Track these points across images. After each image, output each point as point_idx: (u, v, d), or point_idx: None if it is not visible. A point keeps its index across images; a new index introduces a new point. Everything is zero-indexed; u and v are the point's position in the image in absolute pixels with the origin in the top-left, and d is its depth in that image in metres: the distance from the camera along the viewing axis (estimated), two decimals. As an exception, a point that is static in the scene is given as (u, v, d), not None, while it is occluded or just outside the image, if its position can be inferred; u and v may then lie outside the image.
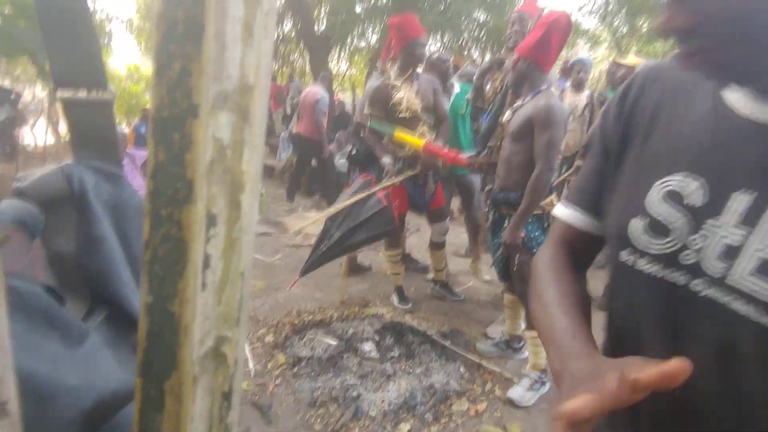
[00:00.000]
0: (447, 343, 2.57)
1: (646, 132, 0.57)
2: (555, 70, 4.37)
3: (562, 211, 0.70)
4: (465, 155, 2.80)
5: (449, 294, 3.28)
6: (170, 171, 0.24)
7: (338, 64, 13.43)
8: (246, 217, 0.27)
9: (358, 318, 2.85)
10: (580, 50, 12.39)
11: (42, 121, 12.21)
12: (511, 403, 2.19)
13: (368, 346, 2.47)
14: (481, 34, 10.26)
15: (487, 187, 2.42)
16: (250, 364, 2.36)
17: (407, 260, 3.52)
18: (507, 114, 2.33)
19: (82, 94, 0.58)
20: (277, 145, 8.24)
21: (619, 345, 0.64)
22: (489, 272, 3.60)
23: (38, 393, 0.39)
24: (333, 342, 2.52)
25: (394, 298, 3.16)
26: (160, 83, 0.24)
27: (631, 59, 3.55)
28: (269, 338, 2.61)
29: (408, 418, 2.06)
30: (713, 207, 0.49)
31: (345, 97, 14.50)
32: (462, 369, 2.41)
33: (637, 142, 0.58)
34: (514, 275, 2.23)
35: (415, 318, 2.94)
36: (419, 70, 2.93)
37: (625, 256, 0.56)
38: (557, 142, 2.08)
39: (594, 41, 10.95)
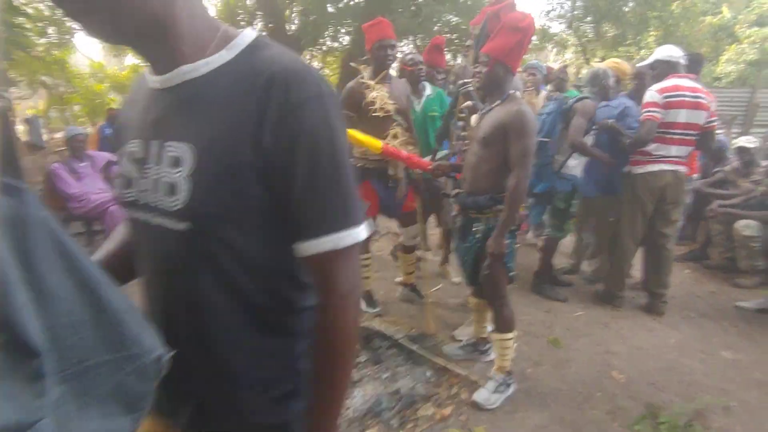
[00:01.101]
0: (414, 347, 2.56)
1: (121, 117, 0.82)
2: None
3: None
4: (427, 160, 2.80)
5: (418, 297, 3.28)
6: None
7: (311, 64, 13.34)
8: None
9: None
10: (549, 54, 12.67)
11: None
12: (476, 406, 2.20)
13: (335, 352, 2.44)
14: (453, 37, 10.36)
15: (454, 191, 2.41)
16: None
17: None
18: (474, 118, 2.32)
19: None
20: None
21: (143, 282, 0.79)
22: (458, 274, 3.62)
23: None
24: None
25: (362, 303, 3.13)
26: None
27: (611, 63, 3.63)
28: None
29: (374, 424, 2.04)
30: (146, 156, 0.69)
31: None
32: (429, 373, 2.41)
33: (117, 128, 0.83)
34: (483, 279, 2.23)
35: (383, 322, 2.92)
36: (393, 72, 2.93)
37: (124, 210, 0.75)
38: (532, 149, 2.08)
39: (561, 45, 11.19)
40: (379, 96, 2.70)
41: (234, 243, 0.67)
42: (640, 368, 2.62)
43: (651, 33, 10.02)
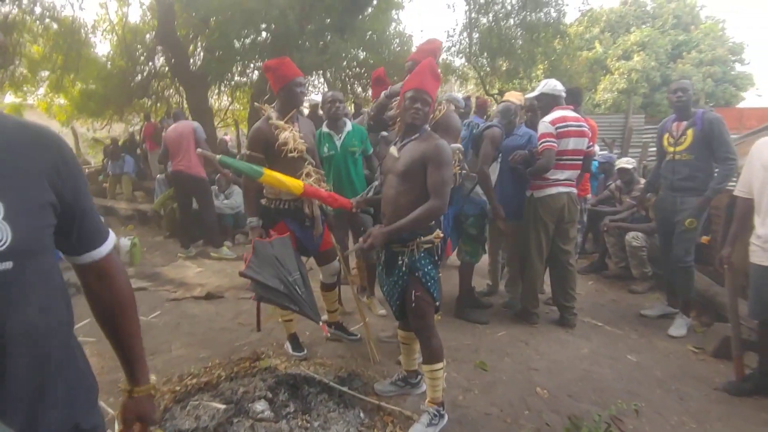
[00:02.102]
0: (345, 389, 2.49)
1: None
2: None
3: None
4: (346, 198, 2.79)
5: (345, 334, 3.21)
6: None
7: (219, 99, 12.95)
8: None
9: (248, 374, 2.65)
10: (453, 85, 13.50)
11: None
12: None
13: (261, 405, 2.28)
14: (362, 71, 10.66)
15: (377, 226, 2.41)
16: (121, 449, 2.04)
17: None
18: (392, 150, 2.33)
19: None
20: (153, 187, 7.59)
21: None
22: (383, 306, 3.62)
23: None
24: (221, 406, 2.29)
25: (288, 347, 3.00)
26: None
27: (513, 95, 3.91)
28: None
29: (308, 479, 1.92)
30: None
31: (229, 132, 13.99)
32: (362, 414, 2.34)
33: None
34: (410, 311, 2.24)
35: (311, 365, 2.81)
36: (304, 110, 2.92)
37: None
38: (450, 180, 2.16)
39: (463, 78, 11.98)
40: (291, 136, 2.67)
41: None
42: (558, 381, 2.77)
43: (539, 67, 11.09)
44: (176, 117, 5.82)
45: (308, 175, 2.75)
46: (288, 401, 2.35)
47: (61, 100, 11.52)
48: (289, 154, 2.66)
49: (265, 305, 2.70)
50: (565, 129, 3.35)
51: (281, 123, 2.69)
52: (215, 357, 2.96)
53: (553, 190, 3.43)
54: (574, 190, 3.52)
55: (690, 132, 3.26)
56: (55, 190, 0.82)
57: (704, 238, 4.03)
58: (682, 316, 3.50)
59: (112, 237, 1.02)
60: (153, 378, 2.54)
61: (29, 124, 0.86)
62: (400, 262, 2.22)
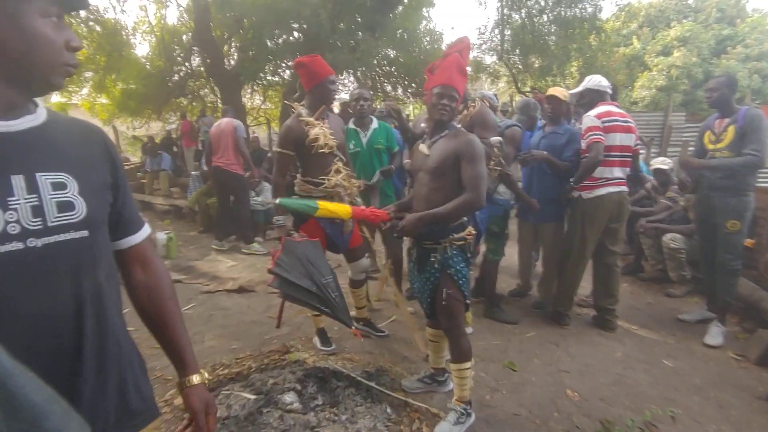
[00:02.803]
0: (372, 384, 2.50)
1: None
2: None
3: None
4: (385, 211, 2.74)
5: (373, 331, 3.23)
6: None
7: (252, 98, 13.22)
8: None
9: (278, 367, 2.70)
10: (484, 83, 13.35)
11: None
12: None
13: (290, 397, 2.33)
14: (393, 69, 10.67)
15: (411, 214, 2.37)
16: (157, 434, 2.12)
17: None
18: (422, 147, 2.32)
19: None
20: (188, 184, 7.82)
21: None
22: (412, 304, 3.62)
23: None
24: (251, 396, 2.35)
25: (317, 341, 3.04)
26: None
27: (557, 90, 3.74)
28: (179, 400, 2.37)
29: (335, 471, 1.95)
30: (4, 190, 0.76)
31: (260, 131, 14.26)
32: (389, 410, 2.35)
33: None
34: (441, 310, 2.23)
35: (339, 360, 2.85)
36: (335, 108, 2.94)
37: None
38: (485, 174, 2.13)
39: (494, 76, 11.82)
40: (321, 132, 2.70)
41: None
42: (590, 384, 2.70)
43: (573, 63, 10.84)
44: (224, 113, 5.89)
45: (338, 171, 2.77)
46: (316, 394, 2.38)
47: (104, 100, 12.02)
48: (320, 150, 2.69)
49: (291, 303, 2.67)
50: (612, 124, 3.23)
51: (312, 120, 2.72)
52: (246, 348, 3.03)
53: (603, 191, 3.28)
54: (626, 189, 3.37)
55: (731, 129, 3.12)
56: (110, 174, 0.93)
57: (749, 242, 3.85)
58: (717, 324, 3.34)
59: (147, 226, 1.08)
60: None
61: (77, 120, 0.96)
62: (432, 259, 2.22)
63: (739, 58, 16.84)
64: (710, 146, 3.25)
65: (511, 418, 2.38)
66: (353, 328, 2.43)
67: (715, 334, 3.29)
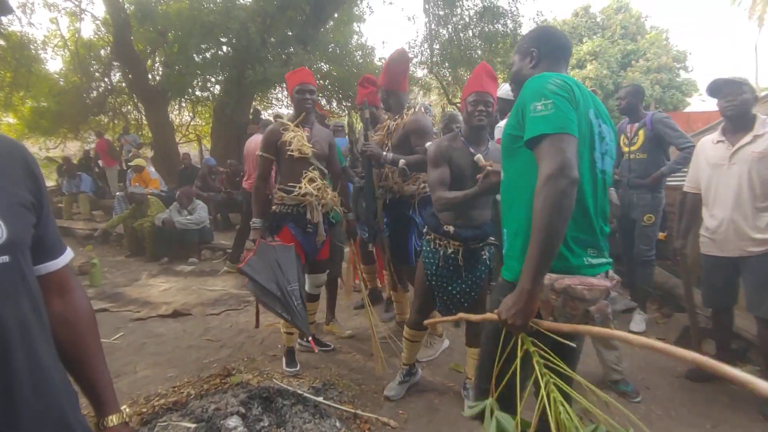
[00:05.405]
0: (320, 399, 2.45)
1: None
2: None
3: None
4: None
5: (318, 345, 3.16)
6: None
7: (180, 115, 12.69)
8: None
9: (219, 391, 2.57)
10: (417, 96, 13.72)
11: None
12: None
13: (233, 422, 2.21)
14: (326, 83, 10.70)
15: (444, 228, 2.28)
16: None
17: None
18: (477, 158, 2.18)
19: None
20: (113, 205, 7.33)
21: None
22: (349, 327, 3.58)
23: None
24: (191, 425, 2.21)
25: (283, 362, 2.90)
26: None
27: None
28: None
29: (285, 493, 1.87)
30: None
31: (191, 148, 13.70)
32: (338, 423, 2.30)
33: None
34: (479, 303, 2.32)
35: (284, 377, 2.76)
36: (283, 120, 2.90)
37: None
38: None
39: (426, 88, 12.19)
40: (296, 137, 2.69)
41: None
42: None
43: (500, 76, 11.44)
44: (263, 126, 4.77)
45: (311, 180, 2.74)
46: (261, 415, 2.29)
47: (10, 119, 11.02)
48: (293, 155, 2.68)
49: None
50: None
51: (289, 123, 2.75)
52: (184, 375, 2.86)
53: None
54: None
55: (641, 132, 3.44)
56: (31, 193, 0.85)
57: (661, 235, 4.21)
58: (640, 311, 3.62)
59: (69, 250, 0.99)
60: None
61: None
62: (483, 257, 2.29)
63: (642, 70, 18.60)
64: (625, 148, 3.55)
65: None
66: (309, 338, 2.52)
67: (638, 321, 3.56)
